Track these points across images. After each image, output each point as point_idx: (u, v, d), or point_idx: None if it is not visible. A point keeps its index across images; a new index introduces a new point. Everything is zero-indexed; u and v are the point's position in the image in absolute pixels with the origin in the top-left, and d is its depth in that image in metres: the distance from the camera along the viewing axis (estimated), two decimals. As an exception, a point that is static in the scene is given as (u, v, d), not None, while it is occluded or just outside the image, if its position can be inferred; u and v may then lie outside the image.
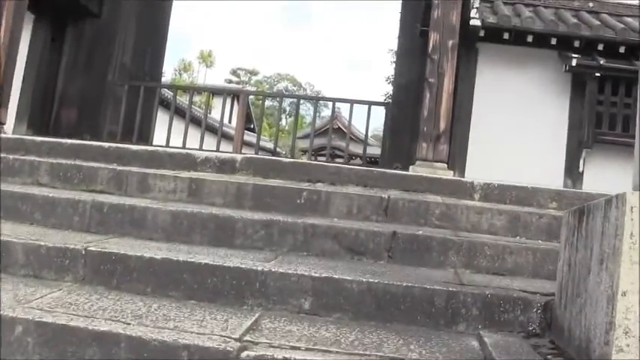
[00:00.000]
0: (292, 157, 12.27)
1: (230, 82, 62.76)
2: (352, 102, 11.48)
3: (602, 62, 10.01)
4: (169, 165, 6.82)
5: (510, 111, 10.63)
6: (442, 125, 8.80)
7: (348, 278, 3.90)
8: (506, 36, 10.41)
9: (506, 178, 9.82)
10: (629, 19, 10.88)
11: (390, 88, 26.27)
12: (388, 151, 11.57)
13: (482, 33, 10.25)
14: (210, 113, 12.27)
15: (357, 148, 25.98)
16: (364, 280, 3.90)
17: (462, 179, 6.60)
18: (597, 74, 10.18)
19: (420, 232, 5.10)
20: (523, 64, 10.76)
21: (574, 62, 10.06)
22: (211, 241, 4.95)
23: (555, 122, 10.63)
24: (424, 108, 8.93)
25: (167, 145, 10.52)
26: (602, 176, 10.20)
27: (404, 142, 11.15)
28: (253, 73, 73.84)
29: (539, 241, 5.40)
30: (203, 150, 8.19)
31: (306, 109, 54.87)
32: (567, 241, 3.60)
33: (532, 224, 5.67)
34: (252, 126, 36.62)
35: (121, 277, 4.02)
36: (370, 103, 11.70)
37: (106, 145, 7.25)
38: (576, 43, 10.29)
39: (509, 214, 5.73)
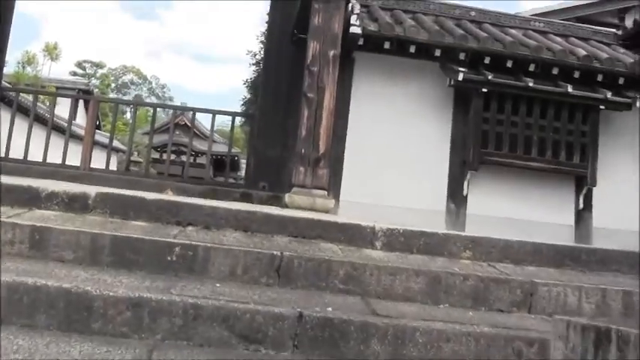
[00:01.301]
0: (147, 167, 11.18)
1: (75, 74, 60.01)
2: (214, 112, 10.30)
3: (490, 77, 9.24)
4: (7, 200, 5.35)
5: (389, 128, 9.71)
6: (322, 147, 7.80)
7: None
8: (387, 45, 9.45)
9: (384, 202, 9.00)
10: (513, 31, 10.25)
11: (246, 92, 25.35)
12: (254, 168, 10.37)
13: (360, 41, 9.26)
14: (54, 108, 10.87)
15: (204, 146, 26.12)
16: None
17: (362, 224, 5.54)
18: (484, 90, 9.41)
19: (330, 309, 4.00)
20: (402, 76, 9.86)
21: (460, 76, 9.19)
22: (61, 324, 3.63)
23: (437, 141, 9.79)
24: (302, 127, 7.88)
25: (6, 157, 9.28)
26: (488, 200, 9.53)
27: (271, 159, 10.02)
28: (100, 65, 70.86)
29: (471, 314, 4.45)
30: (48, 180, 6.75)
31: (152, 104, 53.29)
32: (568, 364, 2.61)
33: (455, 287, 4.69)
34: (97, 122, 34.59)
35: None
36: (234, 114, 10.76)
37: None
38: (462, 56, 9.48)
39: (427, 275, 4.72)
